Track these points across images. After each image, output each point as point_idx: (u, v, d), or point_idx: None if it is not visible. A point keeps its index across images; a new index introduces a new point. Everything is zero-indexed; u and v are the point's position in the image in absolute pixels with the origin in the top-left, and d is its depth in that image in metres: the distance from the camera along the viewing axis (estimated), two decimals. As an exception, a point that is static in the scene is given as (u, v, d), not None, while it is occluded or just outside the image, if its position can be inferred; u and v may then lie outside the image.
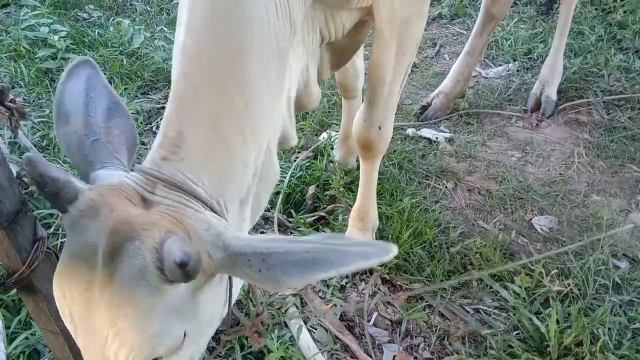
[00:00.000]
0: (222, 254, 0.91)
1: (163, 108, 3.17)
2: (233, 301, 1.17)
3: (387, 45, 1.69)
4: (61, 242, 2.10)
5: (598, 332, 1.88)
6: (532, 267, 2.16)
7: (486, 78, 3.71)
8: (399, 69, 1.79)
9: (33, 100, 3.08)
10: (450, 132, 3.10)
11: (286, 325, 1.95)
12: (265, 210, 2.51)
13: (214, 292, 1.02)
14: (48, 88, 3.19)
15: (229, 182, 1.07)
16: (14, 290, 1.79)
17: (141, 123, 3.03)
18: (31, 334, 1.74)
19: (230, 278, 1.06)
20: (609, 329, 1.90)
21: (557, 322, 1.90)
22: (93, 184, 0.96)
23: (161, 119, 3.12)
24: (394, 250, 0.81)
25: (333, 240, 0.85)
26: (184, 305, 0.92)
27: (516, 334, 1.93)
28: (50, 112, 2.97)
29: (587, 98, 3.32)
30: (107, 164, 1.00)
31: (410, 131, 3.08)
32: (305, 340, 1.85)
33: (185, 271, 0.80)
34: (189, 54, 1.03)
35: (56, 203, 0.89)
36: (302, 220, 2.39)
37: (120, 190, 0.92)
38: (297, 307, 2.03)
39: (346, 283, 2.16)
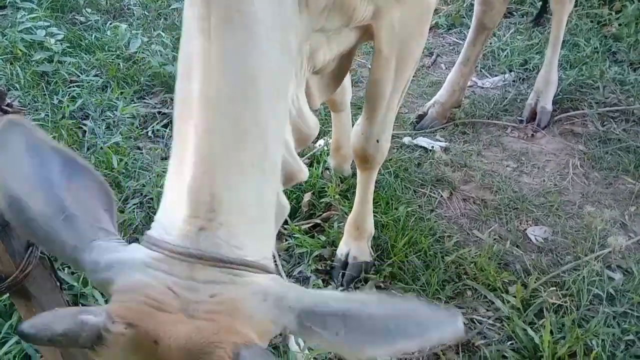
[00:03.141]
0: (288, 317, 0.80)
1: (159, 113, 3.17)
2: None
3: (386, 64, 1.68)
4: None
5: (592, 343, 1.89)
6: (526, 280, 2.17)
7: (482, 88, 3.72)
8: (398, 85, 1.78)
9: (29, 104, 3.07)
10: (446, 142, 3.11)
11: (279, 333, 1.93)
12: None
13: None
14: (44, 91, 3.18)
15: (267, 232, 0.98)
16: (7, 295, 1.78)
17: (136, 127, 3.02)
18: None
19: None
20: (603, 340, 1.91)
21: (551, 332, 1.90)
22: (94, 272, 0.81)
23: (157, 124, 3.09)
24: (460, 324, 0.76)
25: (403, 307, 0.79)
26: None
27: (510, 344, 1.93)
28: (46, 115, 2.96)
29: (582, 109, 3.34)
30: (95, 241, 0.83)
31: (406, 140, 3.08)
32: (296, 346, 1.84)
33: None
34: (212, 106, 0.90)
35: (81, 348, 0.76)
36: (297, 228, 2.39)
37: (147, 301, 0.76)
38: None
39: (342, 290, 2.15)
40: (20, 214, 0.81)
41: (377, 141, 1.94)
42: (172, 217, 0.86)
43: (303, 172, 1.36)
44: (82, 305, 1.92)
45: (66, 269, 2.04)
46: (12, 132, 0.86)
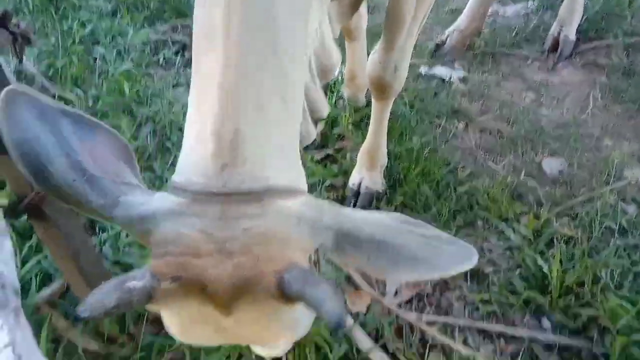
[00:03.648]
0: (326, 235, 0.80)
1: (170, 39, 3.11)
2: None
3: None
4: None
5: (600, 273, 1.90)
6: (538, 211, 2.17)
7: (503, 17, 3.58)
8: (420, 10, 1.72)
9: (38, 28, 3.02)
10: (464, 71, 3.03)
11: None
12: (273, 146, 2.50)
13: None
14: (53, 16, 3.12)
15: (293, 162, 0.95)
16: (25, 217, 1.83)
17: (147, 54, 2.97)
18: (43, 257, 1.78)
19: None
20: (612, 270, 1.92)
21: (561, 262, 1.91)
22: (128, 227, 0.81)
23: (168, 51, 3.03)
24: (474, 258, 0.78)
25: (432, 235, 0.79)
26: None
27: (519, 272, 1.95)
28: (56, 41, 2.92)
29: (607, 40, 3.21)
30: (120, 197, 0.82)
31: (423, 69, 3.01)
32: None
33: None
34: (233, 37, 0.85)
35: (134, 308, 0.76)
36: (310, 157, 2.38)
37: (183, 250, 0.77)
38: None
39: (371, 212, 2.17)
40: (47, 183, 0.80)
41: (395, 69, 1.90)
42: (194, 159, 0.83)
43: (325, 109, 1.32)
44: (99, 228, 1.96)
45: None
46: (17, 103, 0.83)
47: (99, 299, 0.71)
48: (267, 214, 0.80)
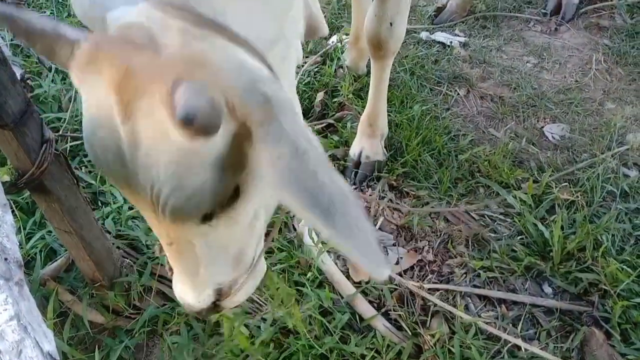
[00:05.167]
0: (258, 102, 0.72)
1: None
2: None
3: None
4: (70, 146, 2.10)
5: (601, 238, 1.91)
6: (539, 177, 2.17)
7: (505, -22, 3.50)
8: None
9: (33, 1, 2.97)
10: (465, 36, 2.98)
11: (294, 228, 1.99)
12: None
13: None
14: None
15: (265, 11, 0.89)
16: (28, 193, 1.83)
17: (144, 25, 2.93)
18: (47, 233, 1.80)
19: None
20: (613, 235, 1.93)
21: (562, 228, 1.92)
22: (108, 27, 0.80)
23: None
24: (386, 272, 0.68)
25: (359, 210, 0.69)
26: (225, 157, 0.78)
27: (520, 239, 1.97)
28: (52, 13, 2.87)
29: (611, 1, 3.15)
30: (123, 3, 0.81)
31: (423, 35, 2.96)
32: (311, 241, 1.89)
33: (196, 128, 0.65)
34: None
35: (55, 61, 0.77)
36: (310, 128, 2.37)
37: (124, 35, 0.76)
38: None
39: (354, 189, 2.17)
40: None
41: (391, 24, 1.88)
42: None
43: (325, 27, 1.28)
44: (101, 202, 1.97)
45: (83, 168, 2.08)
46: None
47: (32, 16, 0.74)
48: (210, 42, 0.77)
